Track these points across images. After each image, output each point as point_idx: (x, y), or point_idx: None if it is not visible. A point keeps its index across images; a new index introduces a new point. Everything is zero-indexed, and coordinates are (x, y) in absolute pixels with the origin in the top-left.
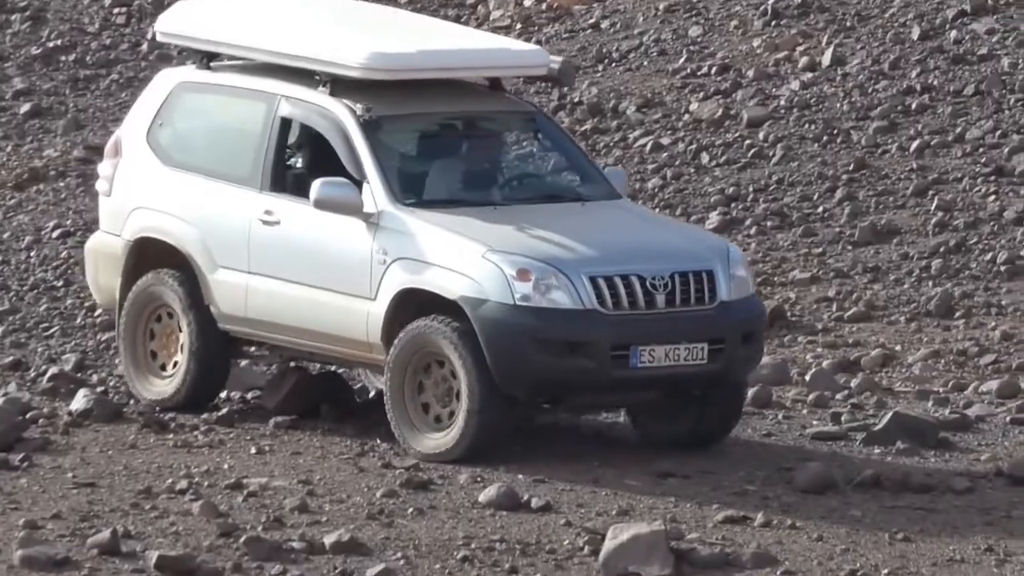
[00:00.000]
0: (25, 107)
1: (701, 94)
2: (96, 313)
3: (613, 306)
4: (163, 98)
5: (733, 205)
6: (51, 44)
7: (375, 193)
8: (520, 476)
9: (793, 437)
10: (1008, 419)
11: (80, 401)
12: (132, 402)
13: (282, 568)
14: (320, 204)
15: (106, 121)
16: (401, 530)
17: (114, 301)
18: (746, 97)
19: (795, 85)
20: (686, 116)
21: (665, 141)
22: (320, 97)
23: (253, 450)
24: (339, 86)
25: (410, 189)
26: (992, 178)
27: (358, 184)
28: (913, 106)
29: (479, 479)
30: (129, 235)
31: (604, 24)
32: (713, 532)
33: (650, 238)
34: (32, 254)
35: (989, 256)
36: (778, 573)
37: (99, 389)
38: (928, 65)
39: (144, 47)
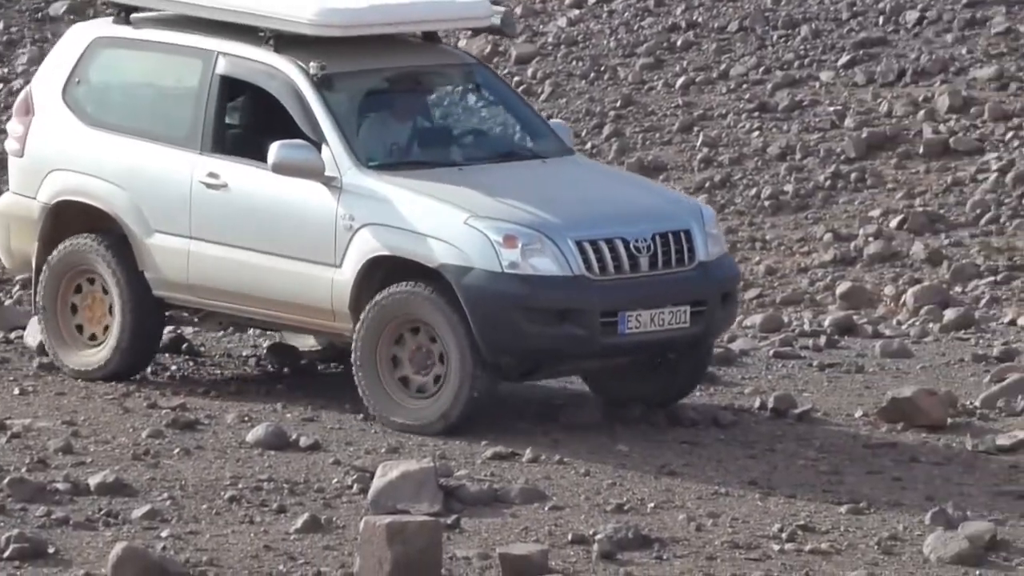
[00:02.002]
0: None
1: (470, 31)
2: None
3: (599, 271)
4: (78, 54)
5: None
6: None
7: (336, 155)
8: (288, 415)
9: None
10: (771, 353)
11: None
12: None
13: (47, 509)
14: (279, 168)
15: None
16: (167, 470)
17: (29, 267)
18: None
19: (562, 22)
20: None
21: None
22: (265, 54)
23: (16, 391)
24: (281, 42)
25: (371, 150)
26: (756, 114)
27: (316, 146)
28: (678, 43)
29: (246, 418)
30: (46, 197)
31: None
32: (482, 468)
33: (625, 198)
34: None
35: (753, 191)
36: (546, 508)
37: None
38: (693, 2)
39: None
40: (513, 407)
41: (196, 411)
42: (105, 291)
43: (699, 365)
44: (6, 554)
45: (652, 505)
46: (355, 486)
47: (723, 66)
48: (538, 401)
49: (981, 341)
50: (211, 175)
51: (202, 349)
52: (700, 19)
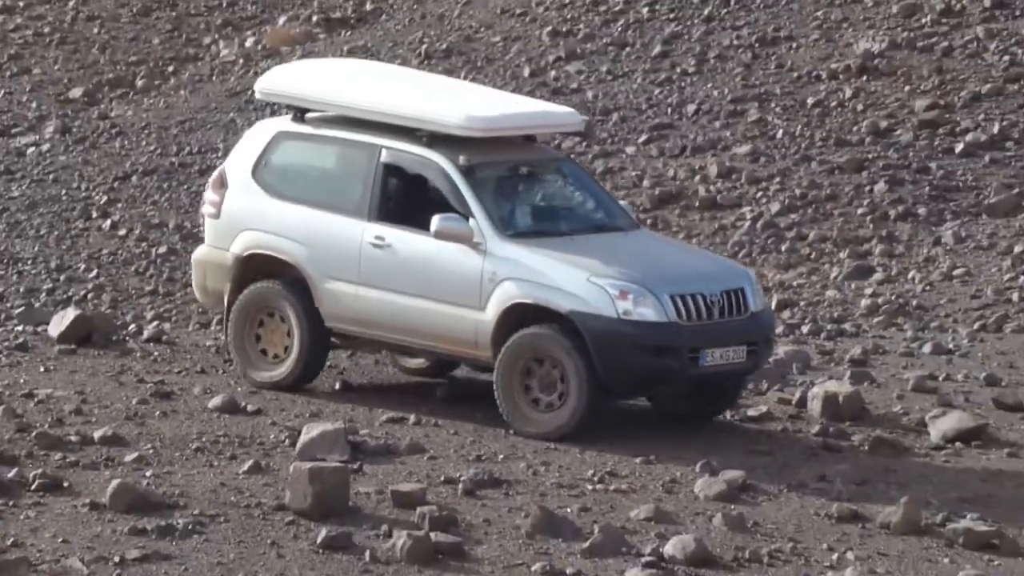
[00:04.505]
0: None
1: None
2: None
3: (687, 318)
4: (265, 144)
5: None
6: None
7: (482, 226)
8: (239, 388)
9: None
10: None
11: None
12: None
13: (63, 455)
14: (440, 234)
15: None
16: (151, 428)
17: (220, 303)
18: None
19: None
20: None
21: None
22: (420, 148)
23: (42, 369)
24: (431, 139)
25: (506, 222)
26: None
27: (464, 218)
28: None
29: (208, 391)
30: (238, 250)
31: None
32: (379, 429)
33: (696, 263)
34: None
35: None
36: (425, 458)
37: None
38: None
39: None
40: (403, 380)
41: (172, 385)
42: (283, 321)
43: (739, 390)
44: (33, 487)
45: (502, 456)
46: (287, 441)
47: (555, 141)
48: (418, 383)
49: None
50: (378, 238)
51: (177, 340)
52: None
